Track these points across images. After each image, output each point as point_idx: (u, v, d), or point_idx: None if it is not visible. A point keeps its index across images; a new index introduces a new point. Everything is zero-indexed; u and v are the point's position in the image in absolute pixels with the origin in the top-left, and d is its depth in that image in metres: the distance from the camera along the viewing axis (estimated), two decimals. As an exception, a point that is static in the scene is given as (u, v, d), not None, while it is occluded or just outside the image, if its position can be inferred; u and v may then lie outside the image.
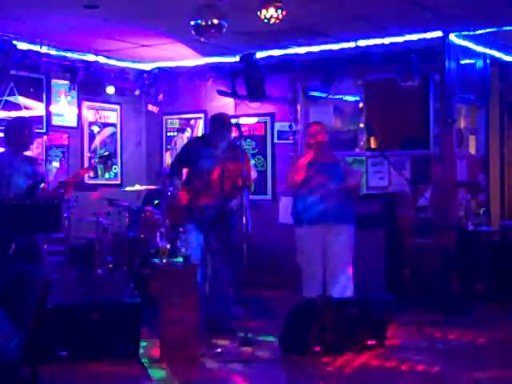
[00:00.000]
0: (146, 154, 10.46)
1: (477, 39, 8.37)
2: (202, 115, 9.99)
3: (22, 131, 6.32)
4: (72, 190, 6.44)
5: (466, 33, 8.03)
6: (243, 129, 8.98)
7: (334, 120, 9.21)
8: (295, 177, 6.48)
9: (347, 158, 8.64)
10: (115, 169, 9.95)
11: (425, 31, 7.89)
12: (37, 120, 8.64)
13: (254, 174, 9.56)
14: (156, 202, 8.13)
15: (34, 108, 8.85)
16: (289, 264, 8.36)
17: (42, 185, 6.26)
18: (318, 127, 6.64)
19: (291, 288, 7.05)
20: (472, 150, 9.06)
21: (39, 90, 8.92)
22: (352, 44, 8.29)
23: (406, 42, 8.05)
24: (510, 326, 6.98)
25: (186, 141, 10.04)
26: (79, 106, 9.46)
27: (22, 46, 8.21)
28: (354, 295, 6.41)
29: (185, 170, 6.79)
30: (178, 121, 10.22)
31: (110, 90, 9.38)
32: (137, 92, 9.78)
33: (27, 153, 6.50)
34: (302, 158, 6.51)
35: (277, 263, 8.94)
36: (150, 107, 10.01)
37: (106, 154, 7.14)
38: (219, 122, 6.54)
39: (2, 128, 8.09)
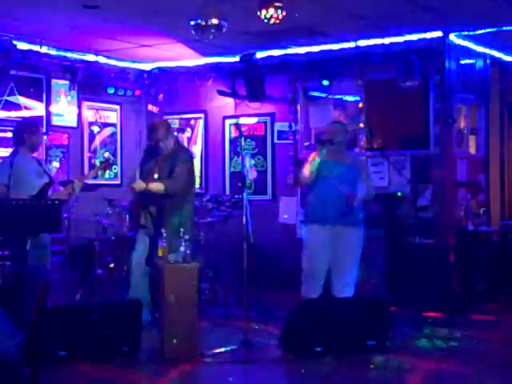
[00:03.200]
0: (146, 154, 10.44)
1: (477, 39, 8.37)
2: (202, 115, 9.99)
3: (35, 132, 6.39)
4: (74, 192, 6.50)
5: (466, 33, 8.02)
6: (243, 129, 9.03)
7: (337, 118, 9.22)
8: (305, 175, 6.39)
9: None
10: (115, 169, 9.95)
11: (425, 31, 7.89)
12: (37, 120, 8.63)
13: (253, 174, 9.58)
14: None
15: (34, 108, 8.85)
16: (289, 264, 8.37)
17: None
18: (334, 127, 6.58)
19: (291, 288, 7.04)
20: (472, 150, 9.06)
21: (39, 90, 8.92)
22: (352, 44, 8.28)
23: (406, 41, 8.05)
24: (510, 326, 6.98)
25: (185, 141, 10.08)
26: (79, 106, 9.45)
27: (22, 45, 8.20)
28: (355, 295, 6.41)
29: None
30: (177, 121, 10.21)
31: (110, 90, 9.46)
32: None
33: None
34: (312, 154, 6.40)
35: (277, 263, 8.93)
36: (150, 107, 10.02)
37: (105, 160, 7.23)
38: (150, 130, 6.87)
39: (3, 128, 8.12)
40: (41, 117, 8.89)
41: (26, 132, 6.38)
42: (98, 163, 7.17)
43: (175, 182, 6.48)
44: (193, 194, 6.88)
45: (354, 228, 6.35)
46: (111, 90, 9.51)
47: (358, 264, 6.38)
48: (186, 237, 5.79)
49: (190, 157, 6.90)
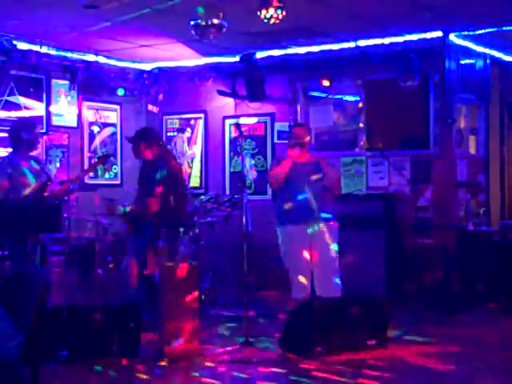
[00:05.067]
0: (146, 154, 10.43)
1: (477, 39, 8.37)
2: (202, 115, 9.99)
3: (32, 131, 6.40)
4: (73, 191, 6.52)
5: (466, 33, 8.03)
6: (243, 129, 9.01)
7: (337, 118, 9.24)
8: (278, 176, 6.50)
9: (347, 158, 8.77)
10: (115, 169, 9.95)
11: (425, 31, 7.90)
12: (37, 120, 8.63)
13: (253, 174, 9.57)
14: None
15: (34, 108, 8.85)
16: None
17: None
18: (303, 129, 6.77)
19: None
20: (472, 150, 9.07)
21: (39, 90, 8.92)
22: (352, 44, 8.29)
23: (405, 41, 8.06)
24: (510, 326, 6.98)
25: (185, 141, 10.09)
26: (79, 106, 9.46)
27: (22, 46, 8.21)
28: (351, 295, 6.42)
29: None
30: (177, 121, 10.22)
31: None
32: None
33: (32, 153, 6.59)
34: (287, 158, 6.52)
35: (277, 263, 8.91)
36: (150, 107, 10.02)
37: (104, 154, 7.25)
38: (134, 137, 7.02)
39: (3, 128, 8.12)
40: (41, 117, 8.90)
41: (23, 131, 6.39)
42: (96, 159, 7.22)
43: (145, 207, 6.64)
44: (179, 199, 6.85)
45: (329, 224, 6.42)
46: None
47: (336, 261, 6.41)
48: (186, 237, 5.80)
49: (167, 170, 6.81)
